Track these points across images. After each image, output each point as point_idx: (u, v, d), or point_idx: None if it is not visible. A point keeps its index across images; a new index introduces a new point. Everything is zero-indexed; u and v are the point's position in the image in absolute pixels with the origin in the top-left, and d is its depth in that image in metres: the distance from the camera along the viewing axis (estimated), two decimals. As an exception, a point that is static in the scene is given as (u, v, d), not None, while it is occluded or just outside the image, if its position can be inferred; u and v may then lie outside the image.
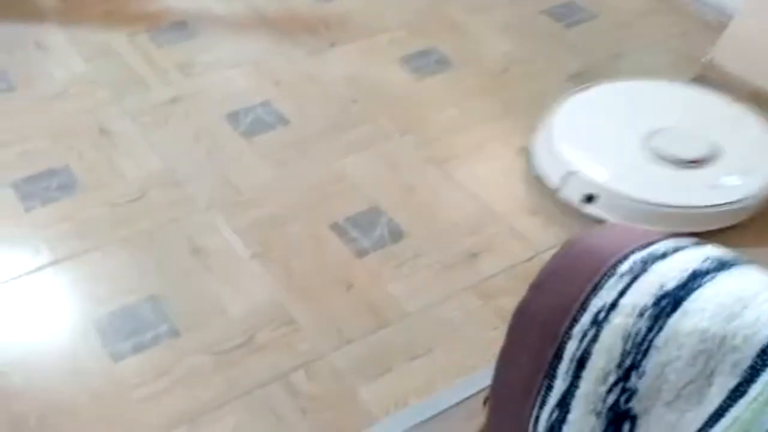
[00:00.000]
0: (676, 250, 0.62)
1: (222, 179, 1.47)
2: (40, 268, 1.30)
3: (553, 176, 1.43)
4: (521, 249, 1.33)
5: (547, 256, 1.29)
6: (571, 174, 1.39)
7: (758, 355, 0.54)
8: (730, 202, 1.35)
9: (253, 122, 1.60)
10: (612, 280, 0.61)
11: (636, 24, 1.89)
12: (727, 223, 1.37)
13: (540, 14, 1.92)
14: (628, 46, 1.75)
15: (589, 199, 1.36)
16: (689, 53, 1.78)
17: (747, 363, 0.54)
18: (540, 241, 1.35)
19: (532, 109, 1.63)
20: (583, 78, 1.71)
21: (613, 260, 0.62)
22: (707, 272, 0.60)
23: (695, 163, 1.40)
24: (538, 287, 0.65)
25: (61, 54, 1.78)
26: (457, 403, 1.07)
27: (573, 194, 1.39)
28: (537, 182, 1.47)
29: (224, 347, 1.19)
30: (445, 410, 1.06)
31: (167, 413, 1.11)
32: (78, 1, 1.95)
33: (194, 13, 1.91)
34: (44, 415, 1.11)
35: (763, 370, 0.54)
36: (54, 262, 1.31)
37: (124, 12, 1.92)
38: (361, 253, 1.33)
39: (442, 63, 1.76)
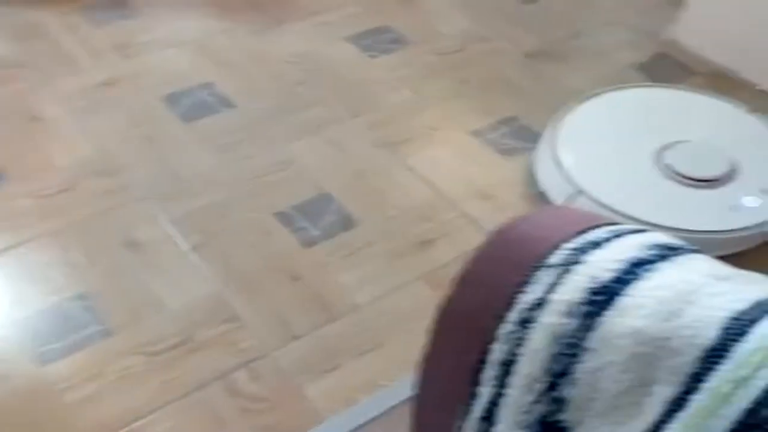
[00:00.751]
0: (614, 236, 0.55)
1: (160, 166, 1.39)
2: (-41, 266, 1.22)
3: (557, 195, 1.31)
4: (475, 235, 1.28)
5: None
6: (578, 194, 1.27)
7: (700, 360, 0.47)
8: (750, 227, 1.23)
9: (194, 105, 1.52)
10: (541, 273, 0.53)
11: (596, 1, 1.85)
12: (745, 247, 1.25)
13: (496, -10, 1.87)
14: (587, 24, 1.71)
15: (571, 199, 1.29)
16: (649, 30, 1.75)
17: (688, 369, 0.47)
18: (495, 227, 1.30)
19: (488, 89, 1.58)
20: (540, 57, 1.67)
21: (543, 250, 0.54)
22: (647, 262, 0.52)
23: (712, 182, 1.28)
24: (462, 282, 0.58)
25: (-14, 34, 1.68)
26: (408, 400, 1.01)
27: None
28: (492, 165, 1.42)
29: (160, 347, 1.12)
30: (395, 407, 1.01)
31: (100, 418, 1.04)
32: (7, -21, 1.84)
33: (132, -10, 1.82)
34: (-38, 424, 1.03)
35: (705, 378, 0.46)
36: (-25, 259, 1.22)
37: (57, -10, 1.82)
38: (309, 243, 1.26)
39: (396, 41, 1.70)
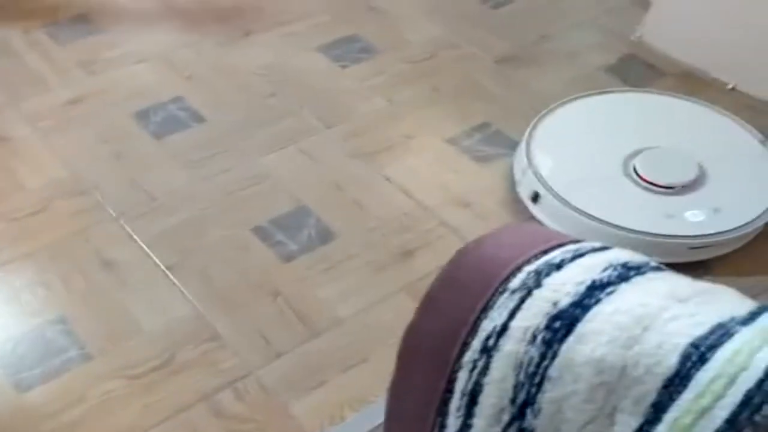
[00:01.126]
0: (575, 257, 0.54)
1: (132, 184, 1.37)
2: (-71, 294, 1.19)
3: (528, 197, 1.33)
4: (457, 244, 1.28)
5: (483, 250, 1.25)
6: (545, 195, 1.30)
7: (663, 389, 0.46)
8: (720, 232, 1.24)
9: (165, 121, 1.51)
10: (503, 298, 0.52)
11: (563, 3, 1.87)
12: (716, 254, 1.27)
13: (463, -6, 1.88)
14: (556, 26, 1.73)
15: (535, 198, 1.31)
16: (618, 31, 1.77)
17: (650, 398, 0.46)
18: (475, 236, 1.30)
19: (460, 95, 1.59)
20: (510, 61, 1.68)
21: (505, 273, 0.54)
22: (607, 284, 0.51)
23: (680, 188, 1.30)
24: (426, 307, 0.57)
25: (-53, 54, 1.65)
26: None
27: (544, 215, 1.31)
28: (469, 172, 1.43)
29: (141, 369, 1.11)
30: (383, 422, 1.01)
31: (81, 446, 1.03)
32: (-35, -3, 1.81)
33: (96, 5, 1.80)
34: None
35: (668, 407, 0.46)
36: (-55, 287, 1.20)
37: (19, 6, 1.79)
38: (288, 258, 1.26)
39: (366, 50, 1.70)
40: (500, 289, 0.53)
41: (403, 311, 1.17)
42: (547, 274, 0.53)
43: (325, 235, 1.30)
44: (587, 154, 1.38)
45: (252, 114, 1.53)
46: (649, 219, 1.25)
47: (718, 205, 1.28)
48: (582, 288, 0.51)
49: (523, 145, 1.38)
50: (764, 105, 1.58)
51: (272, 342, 1.14)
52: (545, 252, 0.55)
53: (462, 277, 0.57)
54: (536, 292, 0.52)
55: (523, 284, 0.53)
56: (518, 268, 0.54)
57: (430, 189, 1.39)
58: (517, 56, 1.69)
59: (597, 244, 0.57)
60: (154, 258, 1.25)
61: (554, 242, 0.56)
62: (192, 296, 1.20)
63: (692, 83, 1.64)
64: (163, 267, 1.24)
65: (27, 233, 1.29)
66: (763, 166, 1.37)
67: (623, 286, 0.51)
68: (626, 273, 0.52)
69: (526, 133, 1.39)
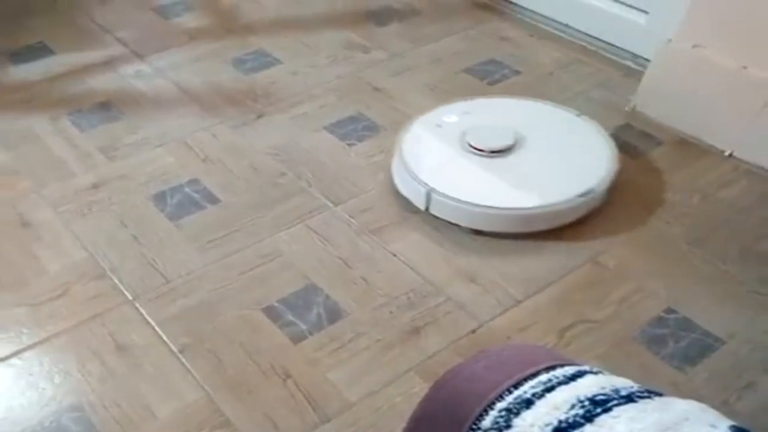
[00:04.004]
0: (545, 390, 0.50)
1: (147, 267, 1.31)
2: (-51, 385, 1.12)
3: (416, 198, 1.40)
4: (465, 320, 1.21)
5: (492, 325, 1.17)
6: (430, 191, 1.36)
7: None
8: (566, 200, 1.34)
9: (181, 202, 1.45)
10: None
11: (558, 76, 1.82)
12: (568, 220, 1.35)
13: (462, 73, 1.83)
14: (553, 100, 1.67)
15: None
16: (612, 102, 1.71)
17: None
18: (483, 310, 1.23)
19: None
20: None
21: (477, 410, 0.50)
22: (573, 424, 0.47)
23: (501, 152, 1.44)
24: None
25: (-19, 144, 1.62)
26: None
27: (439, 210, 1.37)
28: (472, 246, 1.36)
29: (153, 459, 1.03)
30: None
31: None
32: (0, 89, 1.79)
33: (116, 93, 1.77)
34: None
35: None
36: (-36, 377, 1.14)
37: (47, 97, 1.77)
38: (298, 338, 1.19)
39: (370, 128, 1.65)
40: (473, 427, 0.50)
41: (413, 392, 1.10)
42: (517, 413, 0.49)
43: (334, 314, 1.22)
44: (438, 146, 1.49)
45: (263, 193, 1.47)
46: (492, 189, 1.37)
47: (544, 164, 1.43)
48: (548, 431, 0.48)
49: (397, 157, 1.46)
50: (763, 171, 1.50)
51: (282, 428, 1.06)
52: (517, 384, 0.51)
53: (437, 414, 0.53)
54: None
55: (495, 424, 0.49)
56: (491, 405, 0.50)
57: (436, 264, 1.31)
58: (516, 129, 1.63)
59: (570, 371, 0.52)
60: (167, 341, 1.18)
61: (529, 371, 0.52)
62: (203, 380, 1.12)
63: (688, 150, 1.57)
64: (175, 350, 1.17)
65: (47, 318, 1.23)
66: (579, 134, 1.52)
67: (587, 428, 0.47)
68: (592, 410, 0.48)
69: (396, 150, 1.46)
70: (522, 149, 1.44)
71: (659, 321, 1.21)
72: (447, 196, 1.35)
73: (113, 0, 2.15)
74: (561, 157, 1.45)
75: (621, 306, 1.24)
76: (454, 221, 1.37)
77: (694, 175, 1.50)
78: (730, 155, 1.53)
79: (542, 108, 1.59)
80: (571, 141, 1.50)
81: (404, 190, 1.43)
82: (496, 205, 1.33)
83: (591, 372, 0.52)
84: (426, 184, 1.37)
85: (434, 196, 1.35)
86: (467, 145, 1.44)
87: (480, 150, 1.43)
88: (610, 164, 1.41)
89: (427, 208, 1.38)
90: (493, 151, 1.42)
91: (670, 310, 1.23)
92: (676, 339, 1.18)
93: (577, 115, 1.55)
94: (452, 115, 1.55)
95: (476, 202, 1.33)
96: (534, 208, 1.33)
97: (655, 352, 1.16)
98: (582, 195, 1.35)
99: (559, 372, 0.52)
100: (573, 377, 0.51)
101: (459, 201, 1.34)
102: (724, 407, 1.07)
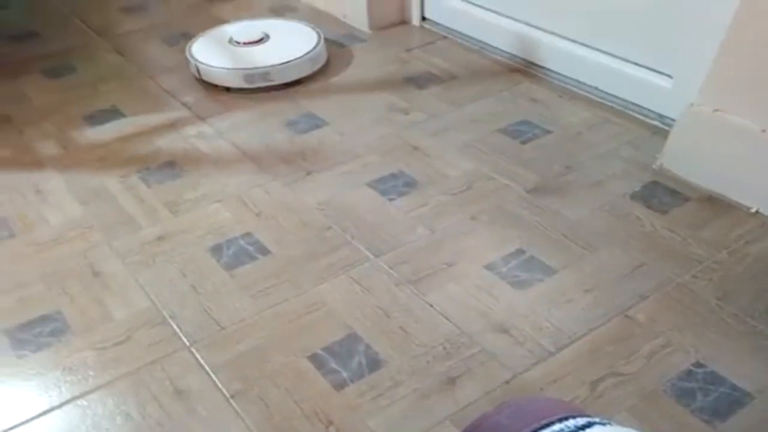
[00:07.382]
0: None
1: (205, 315, 1.33)
2: (26, 421, 1.14)
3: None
4: (499, 371, 1.18)
5: (527, 376, 1.14)
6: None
7: None
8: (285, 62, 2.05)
9: (235, 254, 1.47)
10: None
11: (587, 136, 1.80)
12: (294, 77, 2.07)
13: (496, 133, 1.83)
14: (581, 158, 1.65)
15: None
16: (640, 161, 1.68)
17: None
18: (517, 362, 1.20)
19: (496, 224, 1.52)
20: (541, 191, 1.60)
21: None
22: None
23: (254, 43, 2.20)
24: None
25: (58, 198, 1.67)
26: None
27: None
28: (507, 297, 1.33)
29: (203, 501, 1.02)
30: None
31: None
32: (76, 148, 1.86)
33: (181, 153, 1.82)
34: None
35: None
36: (42, 413, 1.15)
37: (119, 156, 1.82)
38: (340, 385, 1.17)
39: (410, 185, 1.65)
40: None
41: (448, 442, 1.07)
42: None
43: (374, 363, 1.21)
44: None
45: (311, 246, 1.48)
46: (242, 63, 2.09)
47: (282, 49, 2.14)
48: None
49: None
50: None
51: (324, 473, 1.04)
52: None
53: None
54: None
55: None
56: None
57: (471, 315, 1.29)
58: (547, 186, 1.62)
59: (580, 422, 0.52)
60: (220, 386, 1.18)
61: (544, 421, 0.52)
62: (253, 425, 1.12)
63: (715, 207, 1.52)
64: (227, 395, 1.17)
65: (111, 362, 1.25)
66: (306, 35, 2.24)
67: None
68: None
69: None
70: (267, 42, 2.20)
71: (688, 375, 1.16)
72: (210, 66, 2.07)
73: (179, 69, 2.22)
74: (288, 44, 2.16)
75: (650, 359, 1.19)
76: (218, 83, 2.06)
77: (722, 231, 1.46)
78: (756, 212, 1.48)
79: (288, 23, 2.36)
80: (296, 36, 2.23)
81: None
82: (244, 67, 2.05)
83: (600, 423, 0.52)
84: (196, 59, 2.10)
85: (201, 66, 2.07)
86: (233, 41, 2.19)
87: (238, 42, 2.17)
88: (316, 40, 2.18)
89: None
90: (246, 43, 2.17)
91: (698, 364, 1.18)
92: (705, 393, 1.13)
93: (307, 25, 2.28)
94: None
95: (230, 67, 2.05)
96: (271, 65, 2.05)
97: (685, 405, 1.11)
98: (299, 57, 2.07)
99: (571, 423, 0.52)
100: (582, 427, 0.51)
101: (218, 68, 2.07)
102: (755, 463, 1.02)
